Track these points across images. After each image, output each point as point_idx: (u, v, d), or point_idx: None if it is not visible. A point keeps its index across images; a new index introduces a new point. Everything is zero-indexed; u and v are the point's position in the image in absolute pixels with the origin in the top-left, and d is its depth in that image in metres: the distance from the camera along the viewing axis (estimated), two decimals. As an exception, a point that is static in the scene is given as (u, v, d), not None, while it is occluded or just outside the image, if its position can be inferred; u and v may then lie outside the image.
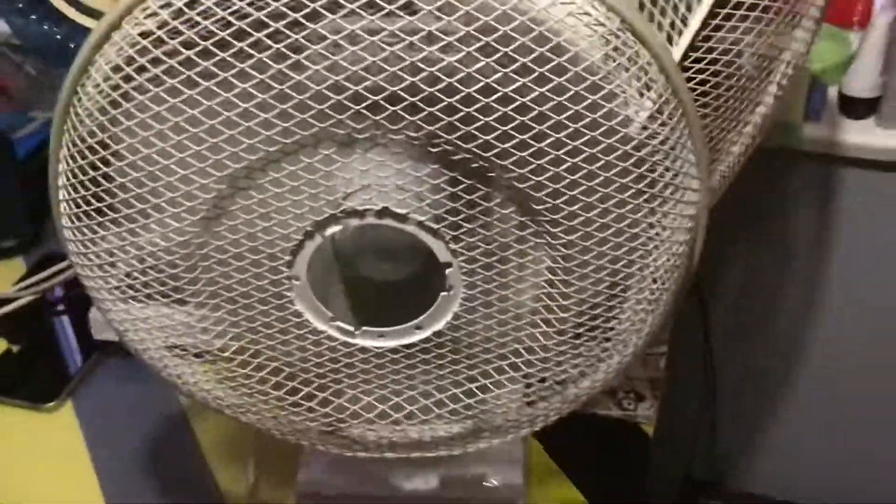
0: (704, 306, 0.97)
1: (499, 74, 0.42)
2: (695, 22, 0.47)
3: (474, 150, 0.44)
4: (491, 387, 0.55)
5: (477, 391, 0.55)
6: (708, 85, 0.51)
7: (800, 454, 1.33)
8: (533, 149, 0.44)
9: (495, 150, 0.44)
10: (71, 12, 0.70)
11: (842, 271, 1.17)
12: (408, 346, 0.53)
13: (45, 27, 0.72)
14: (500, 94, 0.42)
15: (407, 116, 0.43)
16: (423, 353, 0.53)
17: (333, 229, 0.48)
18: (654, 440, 0.80)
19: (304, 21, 0.41)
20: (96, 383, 0.90)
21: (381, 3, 0.40)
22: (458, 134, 0.44)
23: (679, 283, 0.52)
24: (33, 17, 0.73)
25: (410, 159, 0.46)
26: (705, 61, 0.50)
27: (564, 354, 0.54)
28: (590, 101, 0.43)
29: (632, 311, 0.52)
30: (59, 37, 0.73)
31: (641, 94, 0.45)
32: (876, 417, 1.26)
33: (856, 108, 1.05)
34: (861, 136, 1.05)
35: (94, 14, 0.69)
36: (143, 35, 0.43)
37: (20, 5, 0.72)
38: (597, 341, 0.54)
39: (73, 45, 0.71)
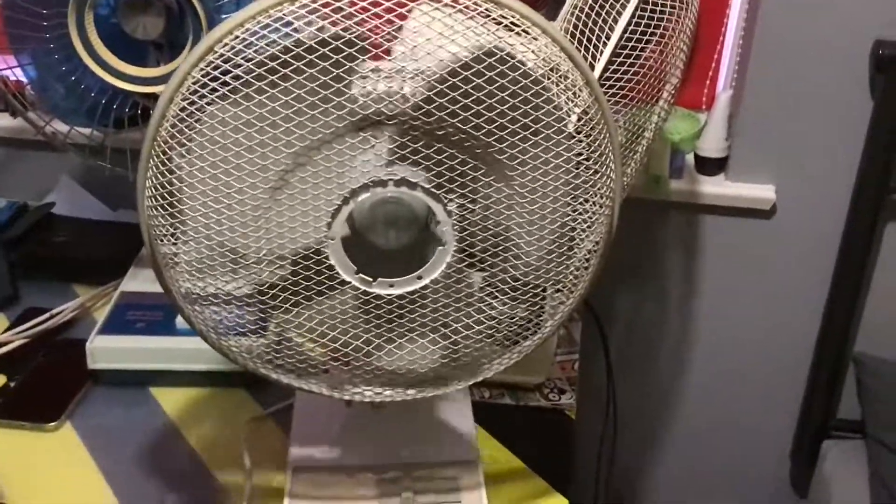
0: (601, 327, 1.17)
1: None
2: (608, 50, 0.69)
3: (469, 130, 0.64)
4: (472, 325, 0.73)
5: (451, 334, 0.73)
6: (617, 97, 0.73)
7: (682, 460, 1.55)
8: (507, 130, 0.64)
9: (482, 131, 0.64)
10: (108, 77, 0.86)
11: (708, 299, 1.41)
12: (410, 293, 0.70)
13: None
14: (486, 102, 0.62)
15: (422, 118, 0.63)
16: (421, 297, 0.71)
17: (364, 196, 0.66)
18: (576, 421, 0.99)
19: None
20: (90, 407, 1.01)
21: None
22: (458, 119, 0.63)
23: (606, 245, 0.72)
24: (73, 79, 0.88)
25: (421, 141, 0.65)
26: (613, 80, 0.72)
27: (523, 304, 0.73)
28: (534, 102, 0.63)
29: (578, 260, 0.72)
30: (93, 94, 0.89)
31: (573, 97, 0.66)
32: (740, 423, 1.50)
33: (708, 166, 1.31)
34: (714, 188, 1.31)
35: (125, 77, 0.86)
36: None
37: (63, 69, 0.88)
38: (551, 289, 0.73)
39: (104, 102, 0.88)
